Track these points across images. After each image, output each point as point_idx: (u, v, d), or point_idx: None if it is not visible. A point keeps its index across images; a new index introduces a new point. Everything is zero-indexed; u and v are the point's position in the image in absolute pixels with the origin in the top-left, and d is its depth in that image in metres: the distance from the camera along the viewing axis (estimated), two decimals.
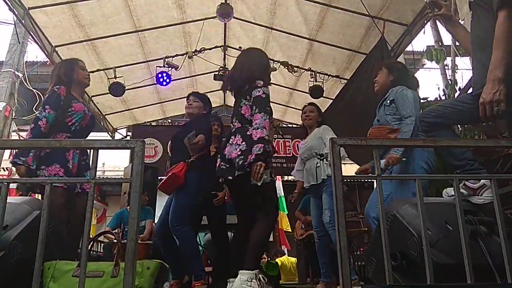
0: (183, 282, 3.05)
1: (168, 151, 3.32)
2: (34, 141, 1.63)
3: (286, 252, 7.32)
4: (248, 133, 2.54)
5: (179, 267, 3.12)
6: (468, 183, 2.04)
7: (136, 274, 1.38)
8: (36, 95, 6.92)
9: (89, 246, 1.44)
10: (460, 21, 3.33)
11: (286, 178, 8.66)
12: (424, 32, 4.37)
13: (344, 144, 1.52)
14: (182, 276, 3.09)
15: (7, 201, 1.45)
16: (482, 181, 2.01)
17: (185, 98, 3.46)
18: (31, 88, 6.89)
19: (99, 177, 1.88)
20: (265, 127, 2.47)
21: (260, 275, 2.95)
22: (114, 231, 4.55)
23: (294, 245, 6.34)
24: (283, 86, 6.52)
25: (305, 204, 4.69)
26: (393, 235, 1.77)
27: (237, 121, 2.67)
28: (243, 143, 2.53)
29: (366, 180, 8.38)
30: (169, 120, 8.42)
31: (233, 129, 2.66)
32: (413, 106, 2.73)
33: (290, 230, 6.91)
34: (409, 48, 4.98)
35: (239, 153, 2.50)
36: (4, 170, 7.09)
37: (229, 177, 2.50)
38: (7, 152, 7.05)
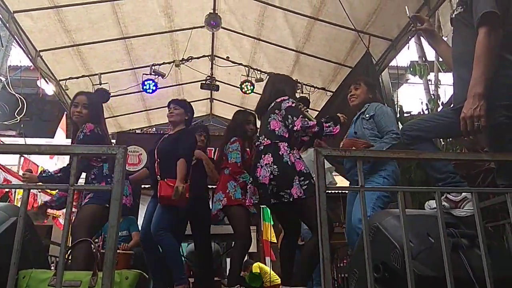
0: None
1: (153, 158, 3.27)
2: (14, 145, 1.59)
3: (270, 263, 7.26)
4: (280, 152, 2.51)
5: (162, 278, 3.08)
6: (450, 196, 2.07)
7: (114, 284, 1.34)
8: (19, 99, 6.80)
9: (67, 255, 1.39)
10: (443, 37, 3.40)
11: None
12: (408, 48, 4.46)
13: (328, 155, 1.53)
14: (165, 287, 3.04)
15: None
16: (463, 194, 2.03)
17: None
18: (14, 93, 6.77)
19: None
20: (310, 124, 2.48)
21: None
22: (94, 239, 4.45)
23: (278, 255, 6.30)
24: None
25: None
26: (376, 246, 1.77)
27: (265, 138, 2.65)
28: (275, 166, 2.48)
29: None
30: (154, 129, 8.36)
31: (261, 147, 2.63)
32: (394, 123, 2.81)
33: (275, 241, 6.87)
34: (393, 63, 5.07)
35: (271, 177, 2.47)
36: None
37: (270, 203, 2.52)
38: None
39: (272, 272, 5.82)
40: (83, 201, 2.52)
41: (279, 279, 5.01)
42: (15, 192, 6.64)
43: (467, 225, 1.92)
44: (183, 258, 5.10)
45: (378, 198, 2.61)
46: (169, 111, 3.37)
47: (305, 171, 2.48)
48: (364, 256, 1.96)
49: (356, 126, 2.97)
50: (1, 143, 6.53)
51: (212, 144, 4.02)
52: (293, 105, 2.60)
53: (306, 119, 2.53)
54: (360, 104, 3.01)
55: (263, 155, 2.57)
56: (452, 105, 2.20)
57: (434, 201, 2.15)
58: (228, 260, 7.31)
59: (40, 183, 2.39)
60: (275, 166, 2.48)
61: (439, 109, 4.82)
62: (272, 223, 7.54)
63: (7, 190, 6.48)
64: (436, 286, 1.62)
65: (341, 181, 5.21)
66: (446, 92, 4.82)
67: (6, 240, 1.62)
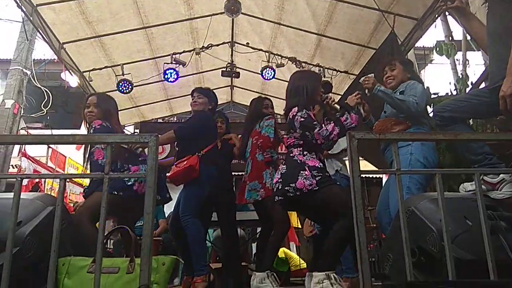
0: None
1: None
2: (46, 136, 1.61)
3: (294, 248, 7.28)
4: (291, 154, 2.49)
5: (191, 263, 3.11)
6: (487, 177, 2.00)
7: (151, 269, 1.36)
8: (44, 92, 6.93)
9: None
10: None
11: None
12: (435, 26, 4.31)
13: (362, 138, 1.49)
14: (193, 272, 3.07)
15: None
16: (501, 175, 1.97)
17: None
18: (39, 86, 6.90)
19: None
20: (329, 130, 2.37)
21: (273, 274, 2.98)
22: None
23: (302, 241, 6.32)
24: None
25: None
26: (410, 230, 1.73)
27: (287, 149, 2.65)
28: (284, 166, 2.48)
29: (374, 176, 8.32)
30: (175, 118, 8.42)
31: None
32: (421, 96, 2.66)
33: (299, 226, 6.88)
34: (418, 44, 4.92)
35: (278, 176, 2.47)
36: (13, 168, 7.12)
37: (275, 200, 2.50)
38: (16, 150, 7.09)
39: (297, 257, 5.84)
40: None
41: (305, 264, 5.02)
42: (45, 182, 6.84)
43: (506, 207, 1.86)
44: (209, 244, 5.18)
45: (411, 178, 2.49)
46: (192, 99, 3.34)
47: (319, 166, 2.41)
48: (398, 240, 1.94)
49: (386, 106, 2.88)
50: (30, 135, 6.71)
51: (234, 131, 3.99)
52: (304, 118, 2.45)
53: (323, 127, 2.40)
54: (397, 85, 2.86)
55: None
56: (483, 85, 2.11)
57: (470, 183, 2.10)
58: (254, 245, 7.38)
59: (76, 173, 2.43)
60: (284, 166, 2.49)
61: (467, 90, 4.67)
62: None
63: (37, 180, 6.69)
64: (475, 270, 1.58)
65: (364, 166, 5.15)
66: (475, 72, 4.64)
67: (44, 229, 1.66)
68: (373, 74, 2.80)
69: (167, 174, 3.02)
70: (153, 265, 1.40)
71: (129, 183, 2.58)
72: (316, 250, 3.14)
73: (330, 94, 2.73)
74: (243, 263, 4.39)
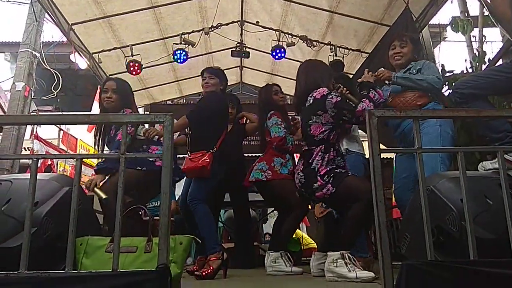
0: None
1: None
2: (60, 116, 1.60)
3: (304, 229, 7.32)
4: (310, 160, 2.48)
5: (203, 243, 3.13)
6: (507, 156, 1.95)
7: (169, 249, 1.36)
8: (54, 74, 6.92)
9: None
10: None
11: None
12: (451, 1, 4.16)
13: (382, 116, 1.45)
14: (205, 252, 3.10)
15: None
16: None
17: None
18: (49, 68, 6.89)
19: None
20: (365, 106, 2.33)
21: (286, 253, 3.00)
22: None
23: (312, 222, 6.33)
24: (301, 62, 6.35)
25: None
26: (430, 210, 1.70)
27: (305, 143, 2.64)
28: (302, 174, 2.51)
29: (384, 157, 8.26)
30: (184, 100, 8.37)
31: (302, 151, 2.65)
32: (439, 74, 2.66)
33: (310, 208, 6.88)
34: (433, 20, 4.77)
35: (299, 185, 2.54)
36: (26, 150, 7.19)
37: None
38: (28, 133, 7.14)
39: (306, 236, 5.87)
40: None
41: (314, 243, 5.04)
42: (57, 164, 6.91)
43: None
44: (221, 224, 5.22)
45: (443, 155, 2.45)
46: (203, 80, 3.26)
47: (329, 169, 2.45)
48: (416, 220, 1.92)
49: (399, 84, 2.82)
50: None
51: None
52: (339, 98, 2.43)
53: (360, 105, 2.38)
54: (405, 64, 2.82)
55: (300, 161, 2.62)
56: (510, 60, 2.04)
57: (490, 162, 2.06)
58: (264, 226, 7.41)
59: (93, 153, 2.44)
60: (301, 174, 2.52)
61: (483, 67, 4.55)
62: None
63: (49, 163, 6.75)
64: (496, 249, 1.55)
65: None
66: (493, 49, 4.50)
67: (61, 208, 1.67)
68: (382, 68, 2.79)
69: (181, 167, 2.99)
70: (171, 244, 1.39)
71: (151, 160, 2.58)
72: (327, 231, 3.15)
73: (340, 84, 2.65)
74: (255, 243, 4.43)
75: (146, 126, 2.82)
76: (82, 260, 1.53)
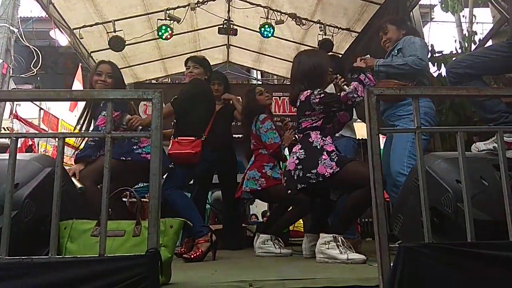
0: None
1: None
2: (41, 91, 1.50)
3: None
4: (310, 139, 2.41)
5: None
6: (505, 137, 1.93)
7: (160, 232, 1.29)
8: (33, 51, 6.65)
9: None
10: None
11: None
12: None
13: (381, 94, 1.39)
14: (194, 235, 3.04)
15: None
16: None
17: (187, 55, 3.26)
18: (28, 45, 6.61)
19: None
20: (353, 89, 2.32)
21: (277, 238, 2.98)
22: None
23: None
24: (290, 41, 6.25)
25: None
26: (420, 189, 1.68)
27: (298, 133, 2.60)
28: (302, 151, 2.40)
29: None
30: (169, 79, 8.18)
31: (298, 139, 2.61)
32: (421, 52, 2.65)
33: None
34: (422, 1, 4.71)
35: (296, 161, 2.39)
36: (5, 130, 6.95)
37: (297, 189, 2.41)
38: (6, 112, 6.89)
39: None
40: (97, 154, 2.47)
41: (302, 225, 5.06)
42: (38, 144, 6.72)
43: None
44: (208, 206, 5.17)
45: (413, 144, 2.48)
46: (187, 69, 3.15)
47: (335, 149, 2.39)
48: (409, 201, 1.90)
49: (382, 72, 2.82)
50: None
51: (232, 93, 3.84)
52: (322, 95, 2.39)
53: (347, 89, 2.36)
54: (394, 45, 2.87)
55: (295, 147, 2.51)
56: (506, 39, 2.00)
57: (483, 143, 2.03)
58: (251, 207, 7.40)
59: (77, 132, 2.35)
60: (301, 151, 2.41)
61: (473, 47, 4.53)
62: None
63: (30, 143, 6.56)
64: (492, 230, 1.54)
65: (362, 127, 5.06)
66: (483, 29, 4.48)
67: (43, 190, 1.58)
68: (368, 56, 2.81)
69: (168, 150, 2.89)
70: (161, 227, 1.33)
71: (137, 151, 2.50)
72: (314, 211, 3.14)
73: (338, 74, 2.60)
74: (243, 224, 4.41)
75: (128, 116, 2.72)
76: (66, 244, 1.45)
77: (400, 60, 2.64)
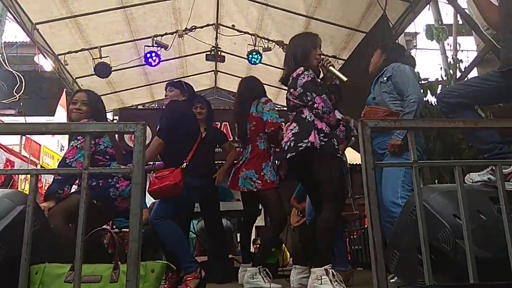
0: (180, 276, 2.86)
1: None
2: (18, 125, 1.40)
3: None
4: (303, 115, 2.45)
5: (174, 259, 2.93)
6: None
7: (139, 278, 1.18)
8: (17, 77, 6.53)
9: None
10: None
11: None
12: (429, 9, 4.17)
13: (376, 127, 1.33)
14: (179, 269, 2.89)
15: None
16: None
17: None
18: (11, 70, 6.50)
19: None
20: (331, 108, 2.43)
21: (264, 269, 2.87)
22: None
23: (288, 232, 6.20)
24: (277, 67, 6.27)
25: (300, 191, 4.49)
26: (419, 226, 1.61)
27: (290, 112, 2.62)
28: (295, 124, 2.46)
29: (357, 163, 8.25)
30: (156, 104, 8.09)
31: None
32: (413, 83, 2.65)
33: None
34: (409, 29, 4.79)
35: (290, 135, 2.45)
36: None
37: (286, 157, 2.43)
38: None
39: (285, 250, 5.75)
40: (64, 188, 2.33)
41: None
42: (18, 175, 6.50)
43: None
44: (194, 235, 5.00)
45: (406, 173, 2.43)
46: (165, 95, 3.18)
47: (326, 131, 2.39)
48: (405, 237, 1.82)
49: (375, 91, 2.83)
50: (1, 122, 6.35)
51: (218, 118, 3.78)
52: (310, 78, 2.43)
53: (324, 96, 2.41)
54: (374, 70, 2.90)
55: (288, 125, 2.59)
56: (499, 67, 1.98)
57: (478, 174, 1.98)
58: (238, 235, 7.23)
59: (52, 168, 2.21)
60: (295, 124, 2.47)
61: (458, 75, 4.59)
62: None
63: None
64: (491, 268, 1.47)
65: (348, 152, 5.02)
66: (469, 57, 4.55)
67: (14, 231, 1.46)
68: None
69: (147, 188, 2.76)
70: (141, 272, 1.22)
71: (112, 197, 2.39)
72: (303, 240, 3.09)
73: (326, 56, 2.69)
74: (230, 255, 4.26)
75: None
76: None
77: (408, 115, 2.51)
